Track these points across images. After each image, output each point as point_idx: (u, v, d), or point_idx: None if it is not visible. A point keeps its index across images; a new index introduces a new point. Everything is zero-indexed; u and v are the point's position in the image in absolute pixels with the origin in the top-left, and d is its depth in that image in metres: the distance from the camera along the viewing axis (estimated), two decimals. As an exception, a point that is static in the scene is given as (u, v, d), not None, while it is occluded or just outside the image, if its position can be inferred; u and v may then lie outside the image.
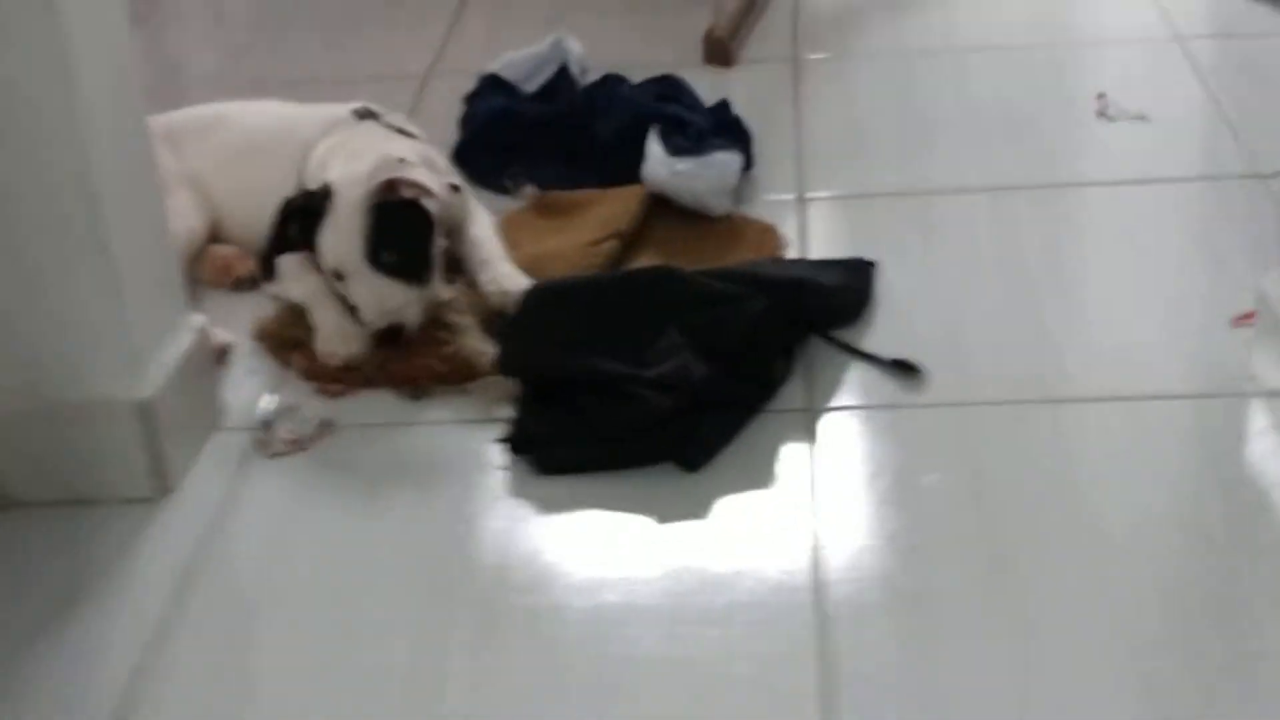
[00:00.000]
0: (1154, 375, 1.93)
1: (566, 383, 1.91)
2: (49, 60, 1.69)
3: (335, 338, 2.06)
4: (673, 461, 1.83)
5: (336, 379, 2.04)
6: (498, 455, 1.88)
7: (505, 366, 1.97)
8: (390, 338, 2.04)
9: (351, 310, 2.08)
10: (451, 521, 1.78)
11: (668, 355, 1.90)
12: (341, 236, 2.05)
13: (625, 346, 1.93)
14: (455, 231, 2.19)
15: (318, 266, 2.11)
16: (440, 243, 2.11)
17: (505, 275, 2.13)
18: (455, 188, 2.21)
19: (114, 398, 1.83)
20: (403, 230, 2.06)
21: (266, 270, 2.10)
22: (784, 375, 1.96)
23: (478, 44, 3.03)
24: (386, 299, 2.04)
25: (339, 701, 1.55)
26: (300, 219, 2.08)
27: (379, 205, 2.05)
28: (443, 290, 2.10)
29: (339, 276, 2.07)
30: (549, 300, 2.03)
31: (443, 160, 2.31)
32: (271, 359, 2.11)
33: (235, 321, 2.16)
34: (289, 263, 2.12)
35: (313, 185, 2.12)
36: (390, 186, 2.05)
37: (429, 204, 2.08)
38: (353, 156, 2.12)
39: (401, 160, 2.12)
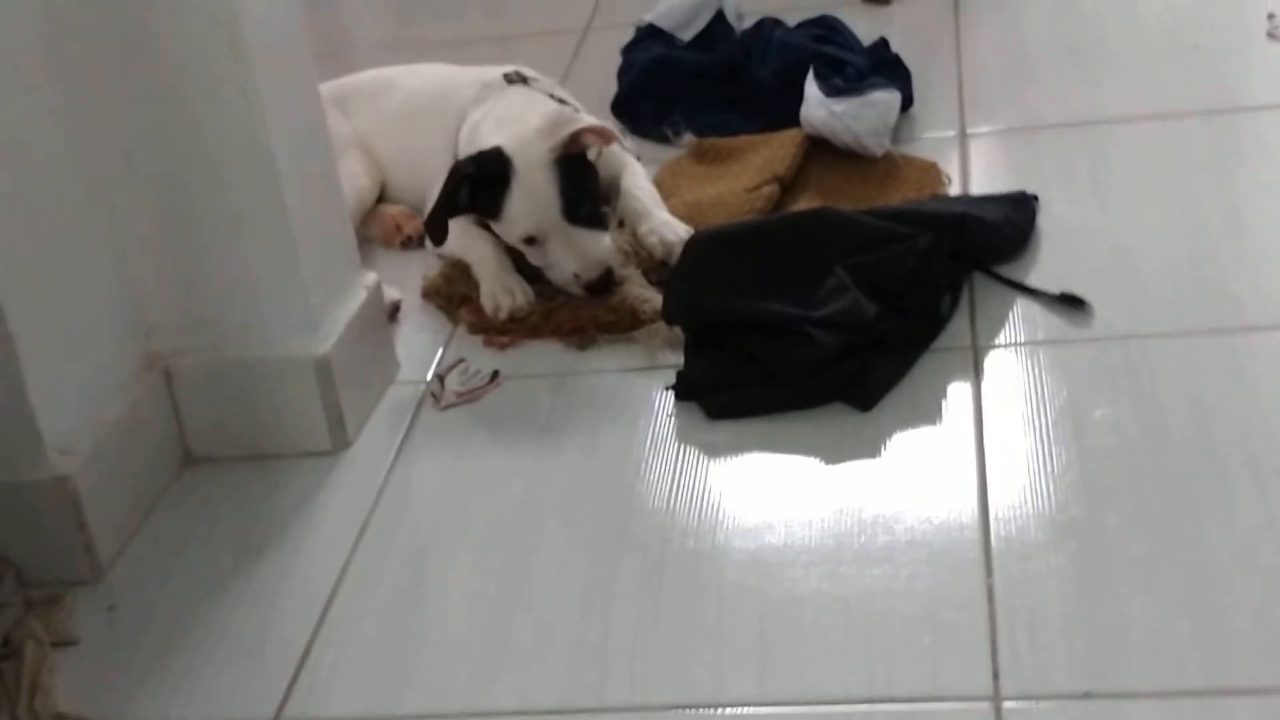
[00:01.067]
0: (1330, 301, 1.87)
1: (733, 328, 1.92)
2: (219, 31, 1.74)
3: (499, 291, 2.10)
4: (845, 402, 1.83)
5: (503, 331, 2.08)
6: (665, 402, 1.90)
7: (671, 313, 1.99)
8: (602, 287, 2.06)
9: (522, 270, 2.11)
10: (619, 467, 1.81)
11: (836, 296, 1.90)
12: (536, 200, 2.06)
13: (792, 289, 1.93)
14: (610, 183, 2.22)
15: (480, 223, 2.15)
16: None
17: (664, 224, 2.15)
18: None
19: (293, 355, 1.88)
20: (585, 182, 2.09)
21: (435, 235, 2.11)
22: (950, 312, 1.95)
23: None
24: (592, 250, 2.07)
25: (510, 642, 1.58)
26: (470, 184, 2.08)
27: (561, 161, 2.06)
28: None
29: (532, 241, 2.09)
30: (713, 246, 2.03)
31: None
32: (440, 314, 2.17)
33: (404, 279, 2.22)
34: (451, 223, 2.14)
35: (467, 150, 2.14)
36: (575, 140, 2.07)
37: (591, 153, 2.11)
38: (506, 121, 2.13)
39: (577, 110, 2.13)
